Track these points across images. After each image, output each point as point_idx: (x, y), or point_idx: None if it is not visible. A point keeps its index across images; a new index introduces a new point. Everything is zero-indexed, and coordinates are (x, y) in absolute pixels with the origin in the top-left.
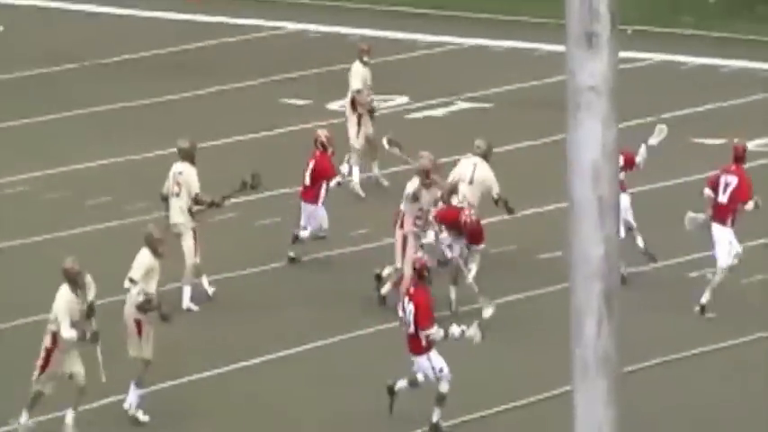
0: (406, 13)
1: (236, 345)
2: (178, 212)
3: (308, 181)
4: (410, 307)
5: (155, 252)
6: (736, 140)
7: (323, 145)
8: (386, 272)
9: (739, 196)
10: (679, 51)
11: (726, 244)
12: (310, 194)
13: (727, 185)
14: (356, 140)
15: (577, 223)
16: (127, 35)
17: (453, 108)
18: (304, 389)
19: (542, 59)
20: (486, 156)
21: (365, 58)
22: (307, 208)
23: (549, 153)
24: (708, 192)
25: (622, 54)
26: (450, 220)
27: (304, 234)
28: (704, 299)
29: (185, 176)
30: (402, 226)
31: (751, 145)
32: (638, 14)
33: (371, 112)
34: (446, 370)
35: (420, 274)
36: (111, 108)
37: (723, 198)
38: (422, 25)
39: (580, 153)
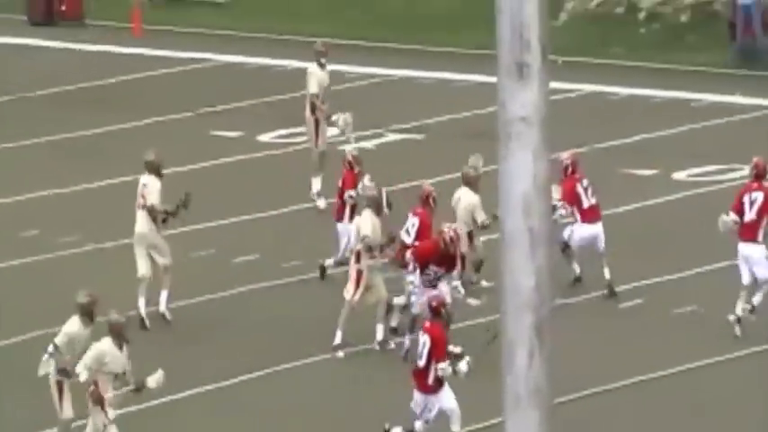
0: (337, 44)
1: (173, 376)
2: (144, 223)
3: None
4: (425, 339)
5: (90, 318)
6: (756, 158)
7: (350, 163)
8: (396, 301)
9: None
10: (609, 82)
11: (765, 260)
12: (341, 212)
13: (753, 203)
14: (314, 147)
15: (509, 254)
16: (57, 68)
17: (384, 140)
18: (241, 420)
19: (473, 90)
20: (469, 183)
21: (322, 60)
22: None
23: (481, 184)
24: (733, 216)
25: (553, 85)
26: (431, 254)
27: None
28: (739, 310)
29: (149, 188)
30: (358, 260)
31: (682, 175)
32: (568, 45)
33: (328, 118)
34: (457, 411)
35: (436, 311)
36: (38, 142)
37: (751, 215)
38: (352, 57)
39: (511, 184)
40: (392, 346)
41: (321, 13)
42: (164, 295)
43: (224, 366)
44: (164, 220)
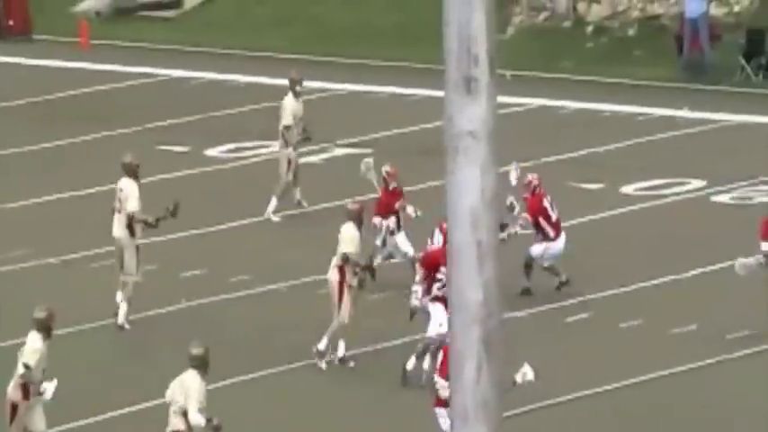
0: (283, 59)
1: (114, 394)
2: (119, 227)
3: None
4: (441, 356)
5: (48, 333)
6: None
7: (384, 180)
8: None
9: None
10: (557, 96)
11: None
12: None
13: None
14: (284, 176)
15: (456, 268)
16: (4, 83)
17: (332, 154)
18: None
19: (422, 105)
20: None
21: (297, 89)
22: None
23: (428, 198)
24: (758, 257)
25: (501, 99)
26: (441, 256)
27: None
28: None
29: (125, 193)
30: (342, 275)
31: (630, 189)
32: (516, 59)
33: (306, 140)
34: None
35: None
36: None
37: None
38: (300, 72)
39: (459, 198)
40: (351, 364)
41: (269, 28)
42: (122, 307)
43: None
44: (146, 225)
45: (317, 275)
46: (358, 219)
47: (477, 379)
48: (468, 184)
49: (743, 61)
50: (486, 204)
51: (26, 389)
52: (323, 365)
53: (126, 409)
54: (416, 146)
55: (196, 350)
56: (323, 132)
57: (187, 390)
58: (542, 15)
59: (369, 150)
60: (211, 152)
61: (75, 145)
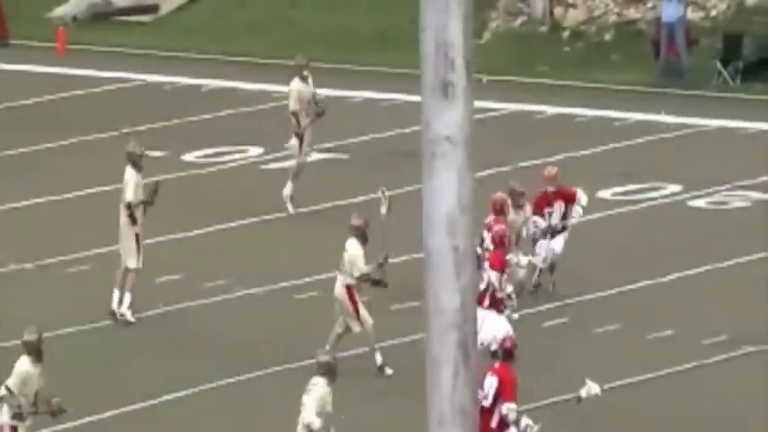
0: (260, 64)
1: (82, 401)
2: (121, 218)
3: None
4: (492, 380)
5: (39, 356)
6: None
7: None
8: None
9: None
10: (534, 101)
11: None
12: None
13: None
14: (297, 153)
15: (433, 273)
16: None
17: (309, 158)
18: None
19: (398, 109)
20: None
21: (304, 73)
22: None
23: (405, 203)
24: None
25: (478, 104)
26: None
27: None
28: None
29: (125, 182)
30: (350, 292)
31: (607, 194)
32: (492, 64)
33: (320, 115)
34: None
35: (508, 352)
36: None
37: None
38: (276, 76)
39: (435, 203)
40: (389, 372)
41: (246, 32)
42: (126, 297)
43: (149, 386)
44: (144, 210)
45: (295, 280)
46: (362, 234)
47: (453, 384)
48: (445, 189)
49: (720, 66)
50: (463, 209)
51: (21, 415)
52: (389, 371)
53: (110, 413)
54: (393, 151)
55: (323, 357)
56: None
57: (311, 394)
58: (519, 20)
59: (345, 155)
60: (188, 157)
61: (51, 150)
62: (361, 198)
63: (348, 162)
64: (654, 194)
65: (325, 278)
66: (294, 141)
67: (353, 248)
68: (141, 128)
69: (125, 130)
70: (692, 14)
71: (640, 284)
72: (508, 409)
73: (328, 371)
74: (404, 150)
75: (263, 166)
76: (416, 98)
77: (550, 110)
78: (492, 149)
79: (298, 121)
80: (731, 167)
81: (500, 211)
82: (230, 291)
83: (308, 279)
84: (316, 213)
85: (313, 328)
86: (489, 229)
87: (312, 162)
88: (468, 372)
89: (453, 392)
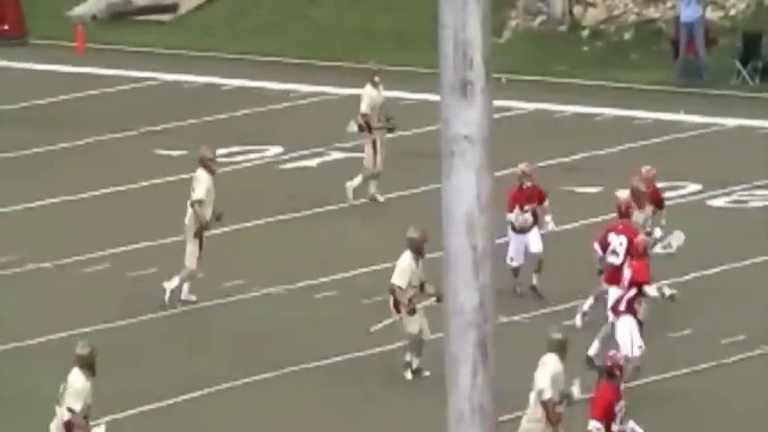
0: (279, 63)
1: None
2: (188, 216)
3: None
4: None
5: (92, 370)
6: None
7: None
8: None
9: None
10: (553, 100)
11: None
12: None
13: None
14: (368, 163)
15: (452, 273)
16: (1, 86)
17: (327, 158)
18: None
19: (418, 108)
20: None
21: (376, 79)
22: None
23: (424, 202)
24: None
25: (497, 103)
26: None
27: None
28: None
29: (195, 181)
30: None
31: (625, 194)
32: (512, 63)
33: (390, 129)
34: None
35: (610, 372)
36: None
37: None
38: (295, 75)
39: (454, 202)
40: (427, 373)
41: (265, 32)
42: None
43: (167, 386)
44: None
45: (311, 280)
46: (417, 249)
47: (472, 383)
48: (464, 188)
49: (739, 65)
50: (482, 209)
51: (69, 427)
52: (427, 373)
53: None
54: (411, 149)
55: (556, 335)
56: (319, 136)
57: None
58: (538, 19)
59: (363, 155)
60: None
61: (68, 150)
62: (384, 196)
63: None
64: (673, 194)
65: (341, 278)
66: (354, 127)
67: (402, 260)
68: (158, 128)
69: (143, 130)
70: (711, 14)
71: (659, 283)
72: (597, 428)
73: (560, 348)
74: (421, 149)
75: (282, 166)
76: (436, 97)
77: (570, 109)
78: (511, 149)
79: (369, 126)
80: (750, 167)
81: (625, 213)
82: (247, 290)
83: (323, 279)
84: (330, 213)
85: (329, 328)
86: (617, 233)
87: (329, 161)
88: (487, 370)
89: (472, 391)
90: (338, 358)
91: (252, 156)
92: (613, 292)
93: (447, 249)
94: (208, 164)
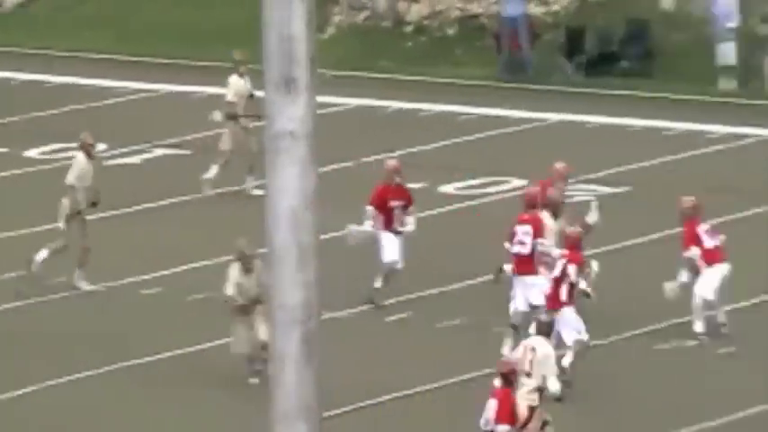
0: (103, 60)
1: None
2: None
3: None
4: (492, 403)
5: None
6: None
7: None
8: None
9: None
10: (378, 95)
11: None
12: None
13: None
14: (227, 146)
15: (277, 269)
16: None
17: (150, 155)
18: None
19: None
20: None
21: (241, 69)
22: None
23: (250, 200)
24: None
25: (321, 99)
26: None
27: None
28: None
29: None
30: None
31: (449, 188)
32: (336, 59)
33: (259, 117)
34: None
35: (506, 378)
36: None
37: None
38: (120, 72)
39: (279, 198)
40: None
41: (90, 28)
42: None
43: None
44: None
45: (133, 278)
46: (243, 260)
47: (298, 380)
48: (288, 184)
49: (563, 60)
50: (307, 204)
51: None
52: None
53: None
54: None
55: (544, 318)
56: (142, 133)
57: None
58: (362, 15)
59: (188, 151)
60: (31, 153)
61: None
62: (196, 196)
63: (189, 158)
64: (496, 189)
65: (161, 276)
66: (218, 116)
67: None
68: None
69: None
70: (535, 9)
71: (481, 279)
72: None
73: (548, 331)
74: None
75: (106, 163)
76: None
77: (394, 104)
78: (336, 145)
79: (235, 114)
80: (575, 161)
81: (532, 205)
82: (70, 288)
83: (145, 276)
84: (154, 210)
85: (152, 326)
86: (522, 223)
87: (152, 158)
88: (312, 367)
89: (297, 387)
90: (161, 356)
91: (73, 153)
92: (531, 281)
93: (272, 245)
94: (88, 149)
